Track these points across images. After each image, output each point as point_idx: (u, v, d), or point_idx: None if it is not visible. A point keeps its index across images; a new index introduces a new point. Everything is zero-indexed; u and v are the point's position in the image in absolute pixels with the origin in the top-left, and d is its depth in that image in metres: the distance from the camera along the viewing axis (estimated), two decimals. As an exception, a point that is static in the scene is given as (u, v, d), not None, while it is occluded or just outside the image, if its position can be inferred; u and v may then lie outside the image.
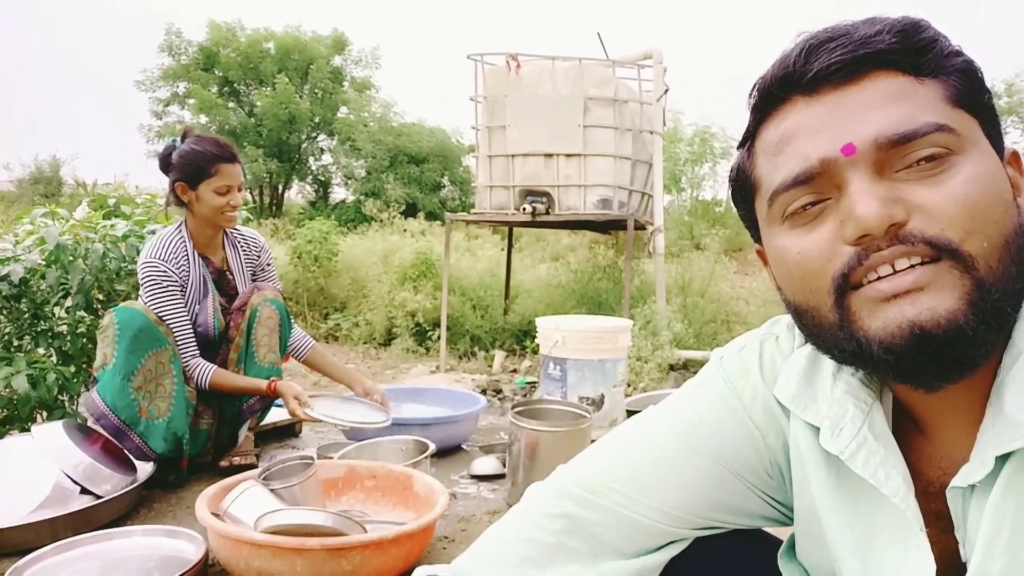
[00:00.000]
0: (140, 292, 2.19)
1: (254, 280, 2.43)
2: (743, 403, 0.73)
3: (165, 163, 2.23)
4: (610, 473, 0.74)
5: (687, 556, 0.75)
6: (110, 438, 2.01)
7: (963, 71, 0.58)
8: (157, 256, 2.17)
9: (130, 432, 2.04)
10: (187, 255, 2.23)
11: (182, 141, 2.22)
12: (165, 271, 2.16)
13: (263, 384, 2.20)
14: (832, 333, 0.59)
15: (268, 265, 2.50)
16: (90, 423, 2.08)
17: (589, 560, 0.72)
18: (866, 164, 0.56)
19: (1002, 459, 0.54)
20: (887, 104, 0.56)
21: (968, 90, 0.58)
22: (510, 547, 0.74)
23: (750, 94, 0.63)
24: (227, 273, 2.36)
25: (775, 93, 0.61)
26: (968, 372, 0.55)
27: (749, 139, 0.65)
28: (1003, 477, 0.54)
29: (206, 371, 2.17)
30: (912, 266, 0.54)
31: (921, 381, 0.56)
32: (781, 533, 0.81)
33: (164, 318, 2.13)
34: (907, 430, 0.65)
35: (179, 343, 2.16)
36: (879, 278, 0.55)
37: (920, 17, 0.59)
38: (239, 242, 2.41)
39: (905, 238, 0.54)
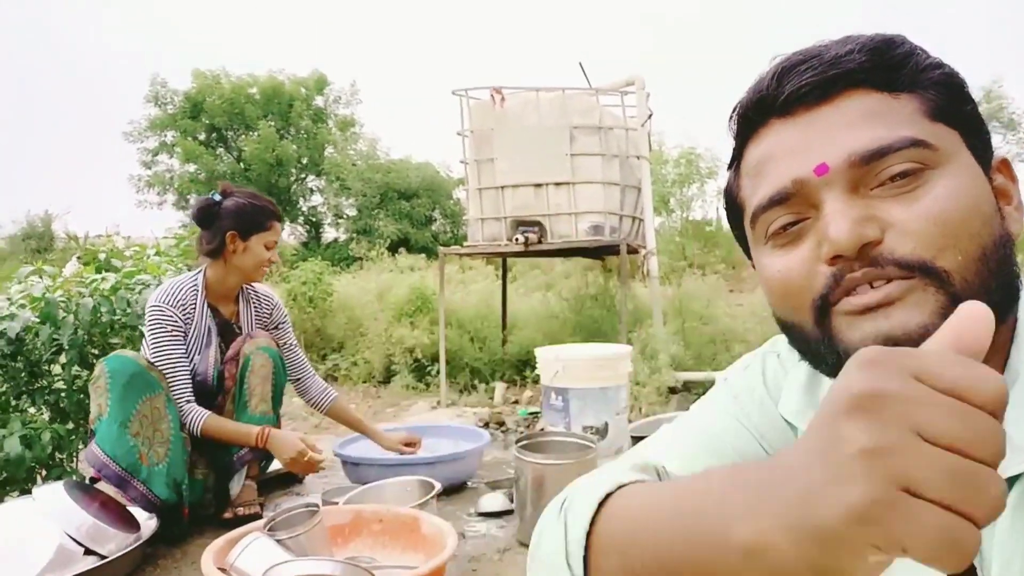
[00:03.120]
0: (145, 334, 2.24)
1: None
2: (753, 421, 0.73)
3: (209, 215, 2.30)
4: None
5: None
6: (111, 496, 1.98)
7: (942, 83, 0.58)
8: (164, 301, 2.23)
9: (133, 480, 2.02)
10: (195, 303, 2.28)
11: (224, 196, 2.32)
12: (171, 316, 2.21)
13: (253, 435, 2.18)
14: (816, 347, 0.60)
15: (282, 323, 2.54)
16: (92, 475, 2.06)
17: None
18: (840, 183, 0.56)
19: (1010, 482, 0.54)
20: (860, 122, 0.56)
21: (948, 102, 0.57)
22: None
23: (730, 118, 0.64)
24: (235, 327, 2.39)
25: (752, 117, 0.61)
26: None
27: (735, 161, 0.66)
28: (1012, 500, 0.54)
29: (199, 417, 2.17)
30: (887, 281, 0.54)
31: None
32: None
33: (161, 362, 2.16)
34: None
35: (174, 388, 2.17)
36: (855, 292, 0.55)
37: (895, 33, 0.59)
38: (253, 298, 2.47)
39: (877, 259, 0.54)
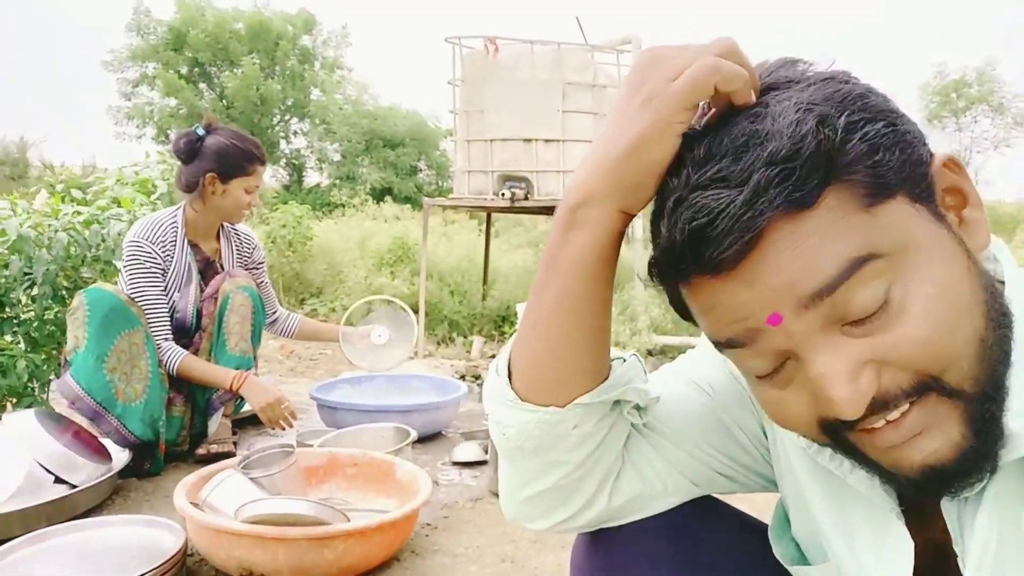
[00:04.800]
0: (121, 269, 2.19)
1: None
2: (735, 372, 0.72)
3: (191, 150, 2.22)
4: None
5: (672, 544, 0.75)
6: (83, 427, 1.96)
7: (860, 154, 0.50)
8: (144, 237, 2.18)
9: (107, 415, 2.00)
10: (175, 240, 2.24)
11: (207, 131, 2.24)
12: (149, 252, 2.17)
13: (228, 379, 2.16)
14: (829, 445, 0.58)
15: (260, 264, 2.54)
16: (65, 407, 2.04)
17: None
18: (804, 327, 0.51)
19: (992, 469, 0.54)
20: (795, 259, 0.49)
21: (875, 171, 0.50)
22: None
23: (649, 272, 0.58)
24: (216, 264, 2.36)
25: (674, 276, 0.56)
26: (988, 474, 0.54)
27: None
28: (991, 490, 0.54)
29: (176, 356, 2.15)
30: (903, 413, 0.52)
31: (938, 495, 0.56)
32: (765, 518, 0.82)
33: (139, 298, 2.13)
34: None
35: (152, 325, 2.14)
36: (874, 430, 0.53)
37: (792, 124, 0.49)
38: (234, 237, 2.43)
39: (886, 401, 0.51)
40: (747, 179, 0.49)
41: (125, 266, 2.17)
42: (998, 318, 0.52)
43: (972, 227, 0.55)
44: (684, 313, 0.61)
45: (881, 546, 0.61)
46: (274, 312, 2.61)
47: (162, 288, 2.19)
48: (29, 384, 2.54)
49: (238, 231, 2.45)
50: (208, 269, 2.33)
